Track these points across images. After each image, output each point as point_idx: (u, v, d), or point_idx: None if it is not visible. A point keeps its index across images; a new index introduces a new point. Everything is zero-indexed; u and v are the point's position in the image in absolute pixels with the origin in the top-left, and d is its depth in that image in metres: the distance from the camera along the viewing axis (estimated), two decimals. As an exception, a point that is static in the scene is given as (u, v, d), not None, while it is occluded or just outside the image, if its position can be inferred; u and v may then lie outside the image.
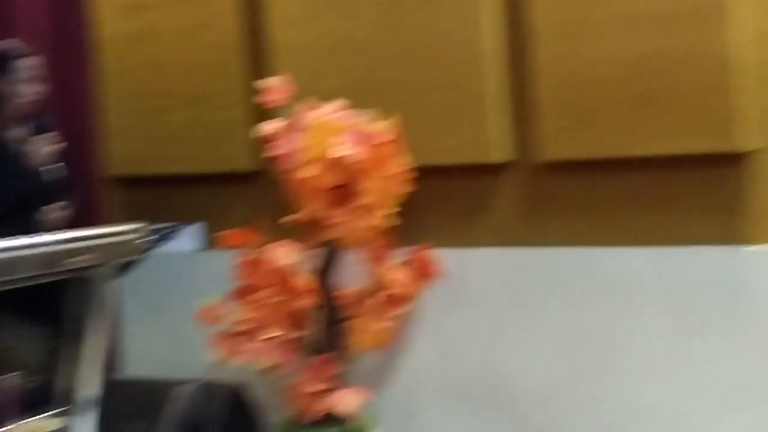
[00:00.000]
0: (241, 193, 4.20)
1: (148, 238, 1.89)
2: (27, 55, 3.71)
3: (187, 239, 4.20)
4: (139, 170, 4.37)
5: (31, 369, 1.80)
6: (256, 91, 3.63)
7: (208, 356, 3.69)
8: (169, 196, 4.33)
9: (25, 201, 3.58)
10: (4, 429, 1.70)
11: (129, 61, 4.31)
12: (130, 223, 1.86)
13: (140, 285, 3.94)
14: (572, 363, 3.55)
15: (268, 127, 3.52)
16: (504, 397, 3.67)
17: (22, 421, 1.73)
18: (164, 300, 4.24)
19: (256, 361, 3.64)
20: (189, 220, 4.11)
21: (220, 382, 3.78)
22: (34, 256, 1.58)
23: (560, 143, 3.47)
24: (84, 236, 1.73)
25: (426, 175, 3.60)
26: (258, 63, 4.04)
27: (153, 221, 4.06)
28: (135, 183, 4.45)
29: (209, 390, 3.88)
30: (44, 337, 1.87)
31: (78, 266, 1.75)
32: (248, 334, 3.64)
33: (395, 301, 3.67)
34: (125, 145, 4.35)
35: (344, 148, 3.27)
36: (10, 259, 1.54)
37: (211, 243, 4.20)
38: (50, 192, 3.66)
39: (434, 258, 3.69)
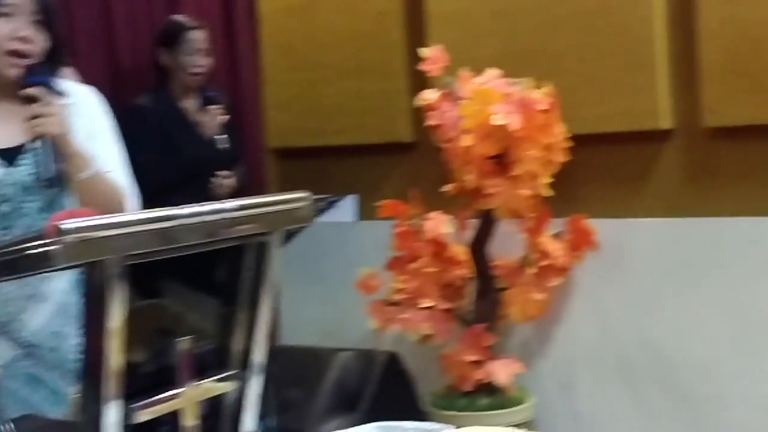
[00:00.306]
0: (397, 164, 4.22)
1: (315, 207, 1.90)
2: (197, 28, 3.81)
3: (343, 210, 4.26)
4: (297, 142, 4.44)
5: (202, 334, 1.84)
6: (416, 61, 3.63)
7: (364, 325, 3.73)
8: (325, 168, 4.39)
9: (199, 169, 3.70)
10: (178, 390, 1.75)
11: (289, 34, 4.37)
12: (297, 192, 1.87)
13: (297, 255, 4.02)
14: (735, 336, 3.45)
15: (427, 96, 3.51)
16: (662, 371, 3.59)
17: (194, 383, 1.77)
18: (321, 270, 4.31)
19: (412, 330, 3.66)
20: (344, 191, 4.16)
21: (377, 351, 3.82)
22: (208, 222, 1.61)
23: (727, 109, 3.35)
24: (255, 204, 1.75)
25: (584, 143, 3.54)
26: (417, 32, 4.04)
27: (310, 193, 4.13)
28: (292, 155, 4.52)
29: (366, 358, 3.93)
30: (216, 303, 1.91)
31: (249, 233, 1.77)
32: (404, 303, 3.66)
33: (551, 272, 3.63)
34: (284, 118, 4.43)
35: (502, 117, 3.24)
36: (185, 225, 1.57)
37: (366, 213, 4.24)
38: (221, 161, 3.77)
39: (591, 228, 3.63)
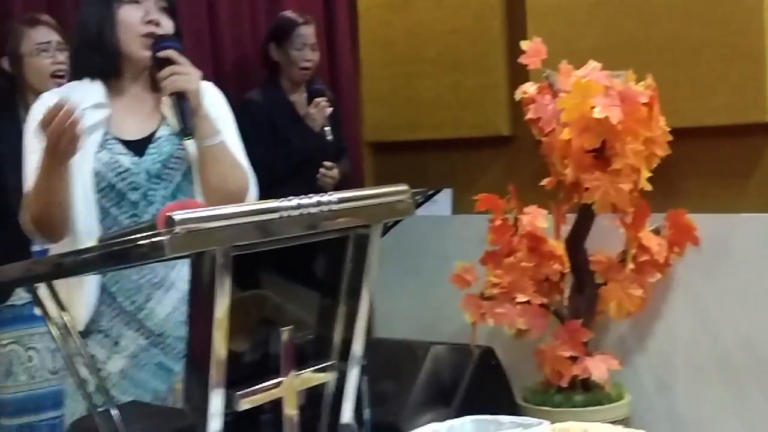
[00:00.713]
0: (494, 158, 4.21)
1: (414, 200, 1.90)
2: (306, 23, 3.87)
3: (439, 204, 4.26)
4: (393, 136, 4.46)
5: (303, 324, 1.86)
6: (514, 54, 3.61)
7: (458, 319, 3.73)
8: (420, 162, 4.39)
9: (307, 162, 3.75)
10: (279, 379, 1.77)
11: (388, 28, 4.39)
12: (397, 185, 1.87)
13: (392, 248, 4.03)
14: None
15: (526, 89, 3.49)
16: (763, 369, 3.51)
17: (294, 373, 1.79)
18: (415, 263, 4.32)
19: (507, 324, 3.64)
20: (440, 185, 4.15)
21: (471, 345, 3.81)
22: (310, 215, 1.62)
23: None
24: (356, 197, 1.76)
25: (686, 136, 3.47)
26: (516, 25, 4.02)
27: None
28: (388, 149, 4.54)
29: (460, 352, 3.92)
30: (316, 294, 1.92)
31: (350, 226, 1.78)
32: (499, 297, 3.64)
33: (650, 267, 3.57)
34: (381, 112, 4.45)
35: (603, 110, 3.19)
36: (289, 217, 1.59)
37: (462, 207, 4.23)
38: (328, 153, 3.82)
39: (693, 224, 3.57)
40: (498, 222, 3.70)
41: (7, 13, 3.38)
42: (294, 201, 1.60)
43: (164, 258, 1.49)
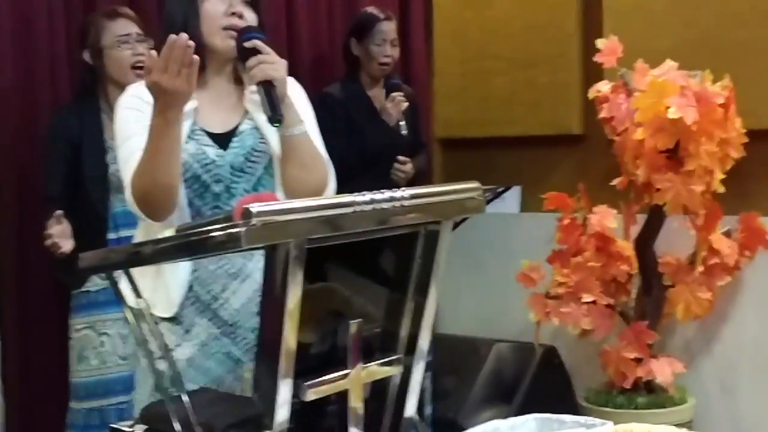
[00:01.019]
0: (565, 156, 4.19)
1: (484, 197, 1.91)
2: (387, 19, 3.89)
3: (507, 201, 4.24)
4: (463, 133, 4.46)
5: (370, 318, 1.88)
6: (589, 53, 3.59)
7: (523, 317, 3.72)
8: (489, 159, 4.39)
9: (383, 156, 3.77)
10: (344, 372, 1.79)
11: (461, 25, 4.40)
12: (468, 182, 1.88)
13: (458, 244, 4.02)
14: None
15: (600, 88, 3.47)
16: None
17: (361, 365, 1.81)
18: (481, 260, 4.31)
19: (572, 324, 3.62)
20: (508, 182, 4.14)
21: (534, 343, 3.80)
22: (382, 210, 1.64)
23: None
24: (427, 193, 1.77)
25: (761, 139, 3.42)
26: (593, 23, 4.00)
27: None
28: (457, 145, 4.55)
29: (523, 350, 3.92)
30: (384, 289, 1.94)
31: (421, 222, 1.80)
32: (565, 297, 3.63)
33: (720, 270, 3.53)
34: (452, 108, 4.46)
35: (678, 110, 3.16)
36: (362, 212, 1.61)
37: (530, 205, 4.22)
38: (404, 148, 3.84)
39: (765, 227, 3.52)
40: (566, 221, 3.68)
41: (91, 6, 3.45)
42: (367, 196, 1.62)
43: (240, 249, 1.52)
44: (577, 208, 3.69)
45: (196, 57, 2.05)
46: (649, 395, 3.55)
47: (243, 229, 1.45)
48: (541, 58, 4.15)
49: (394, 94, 3.80)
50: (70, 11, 3.44)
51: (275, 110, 2.23)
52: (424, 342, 1.93)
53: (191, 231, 1.57)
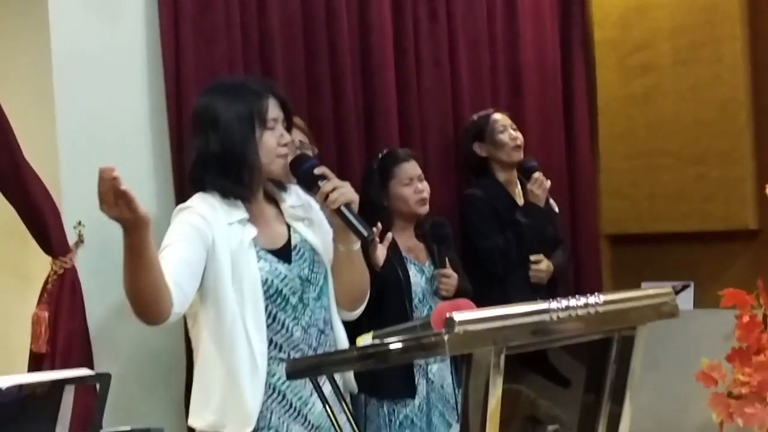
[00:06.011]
0: (739, 252, 4.12)
1: (676, 301, 1.91)
2: (496, 111, 3.91)
3: (679, 297, 4.16)
4: (630, 228, 4.44)
5: (564, 423, 1.87)
6: (762, 148, 3.55)
7: (702, 416, 3.61)
8: (656, 255, 4.35)
9: (543, 242, 3.72)
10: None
11: (628, 122, 4.42)
12: (660, 287, 1.88)
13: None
14: None
15: (775, 184, 3.42)
16: None
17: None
18: (656, 357, 4.22)
19: (759, 425, 3.49)
20: (677, 278, 4.08)
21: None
22: (579, 317, 1.66)
23: None
24: (622, 299, 1.78)
25: None
26: (764, 118, 3.98)
27: (639, 280, 4.10)
28: (624, 241, 4.52)
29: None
30: (578, 394, 1.93)
31: (617, 327, 1.81)
32: (749, 397, 3.51)
33: None
34: (619, 204, 4.46)
35: None
36: (559, 319, 1.63)
37: (703, 302, 4.14)
38: (556, 229, 3.81)
39: None
40: (745, 318, 3.59)
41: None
42: (563, 302, 1.64)
43: (439, 356, 1.56)
44: (757, 305, 3.60)
45: (125, 187, 2.03)
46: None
47: (446, 336, 1.50)
48: (710, 153, 4.14)
49: (535, 175, 3.74)
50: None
51: (367, 228, 2.40)
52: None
53: (401, 338, 1.62)
